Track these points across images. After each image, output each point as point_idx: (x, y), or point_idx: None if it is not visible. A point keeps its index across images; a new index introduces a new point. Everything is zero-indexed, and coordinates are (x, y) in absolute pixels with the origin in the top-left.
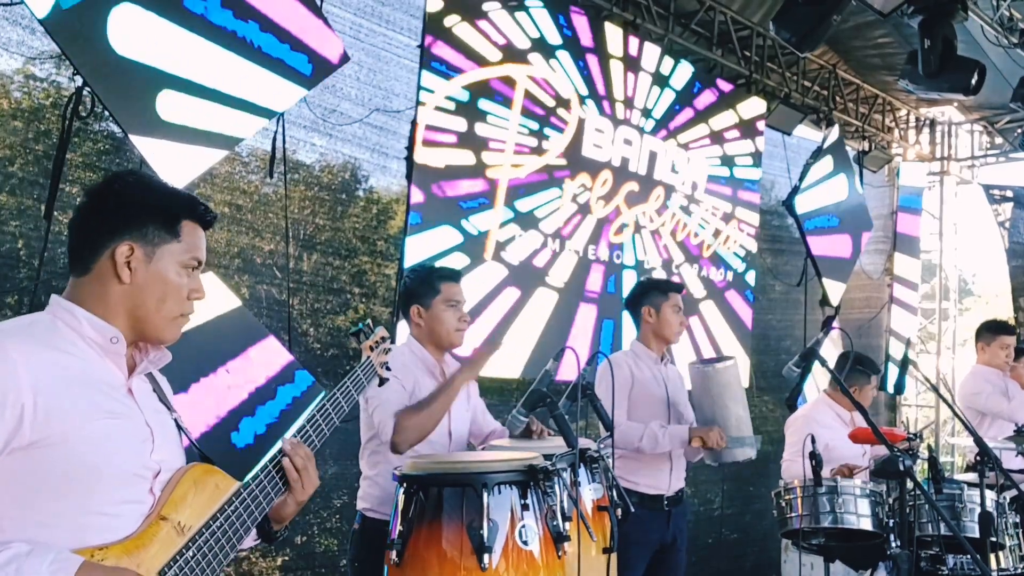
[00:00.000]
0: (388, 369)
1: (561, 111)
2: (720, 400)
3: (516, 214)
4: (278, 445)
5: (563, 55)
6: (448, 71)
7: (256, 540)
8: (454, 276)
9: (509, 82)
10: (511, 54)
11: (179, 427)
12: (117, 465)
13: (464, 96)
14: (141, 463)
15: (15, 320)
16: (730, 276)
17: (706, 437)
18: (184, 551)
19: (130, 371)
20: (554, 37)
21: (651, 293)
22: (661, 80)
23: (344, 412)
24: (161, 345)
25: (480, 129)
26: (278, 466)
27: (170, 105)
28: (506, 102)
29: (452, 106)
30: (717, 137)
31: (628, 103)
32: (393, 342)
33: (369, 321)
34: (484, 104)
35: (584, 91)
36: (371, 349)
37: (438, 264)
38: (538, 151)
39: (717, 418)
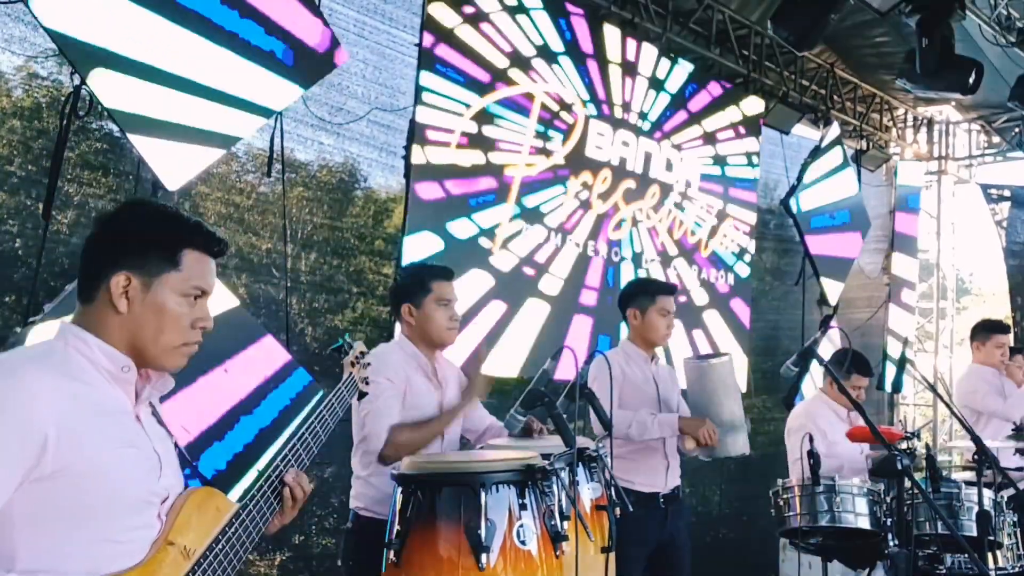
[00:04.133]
0: (367, 384)
1: (566, 116)
2: (715, 396)
3: (523, 209)
4: (271, 466)
5: (565, 60)
6: (453, 74)
7: None
8: (446, 275)
9: (528, 96)
10: (517, 61)
11: (178, 450)
12: (131, 493)
13: (484, 103)
14: (151, 490)
15: (31, 349)
16: (731, 279)
17: (695, 431)
18: (191, 574)
19: (135, 398)
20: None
21: (638, 296)
22: (657, 84)
23: (330, 429)
24: (164, 373)
25: (490, 131)
26: (276, 492)
27: (167, 104)
28: (522, 110)
29: (468, 111)
30: (710, 138)
31: (626, 107)
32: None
33: (348, 337)
34: (498, 110)
35: (585, 96)
36: (352, 364)
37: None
38: (547, 152)
39: (711, 414)
